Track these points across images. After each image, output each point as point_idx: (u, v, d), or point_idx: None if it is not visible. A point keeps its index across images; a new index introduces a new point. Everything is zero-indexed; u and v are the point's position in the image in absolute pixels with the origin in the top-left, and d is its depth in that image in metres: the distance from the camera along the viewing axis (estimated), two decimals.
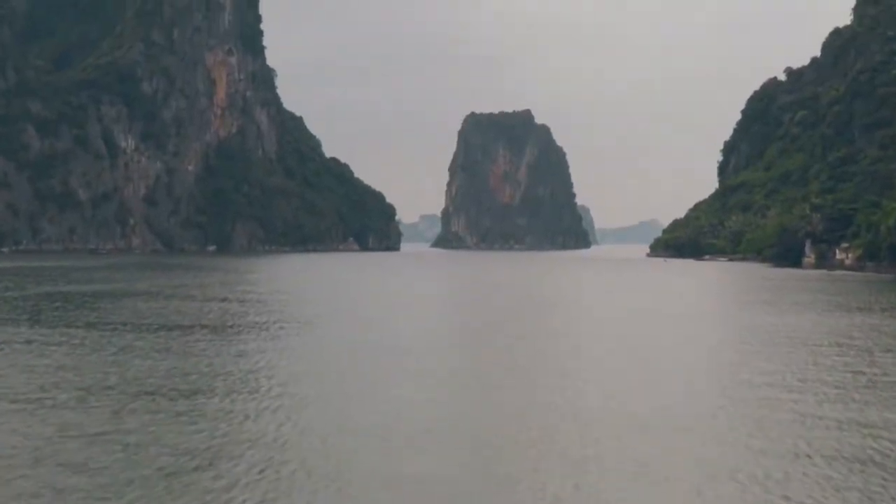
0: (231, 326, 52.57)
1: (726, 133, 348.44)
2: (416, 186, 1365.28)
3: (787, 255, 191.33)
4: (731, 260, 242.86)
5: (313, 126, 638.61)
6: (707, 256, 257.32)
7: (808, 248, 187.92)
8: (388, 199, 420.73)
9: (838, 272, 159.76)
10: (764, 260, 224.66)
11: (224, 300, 73.53)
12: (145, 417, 27.50)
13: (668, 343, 47.91)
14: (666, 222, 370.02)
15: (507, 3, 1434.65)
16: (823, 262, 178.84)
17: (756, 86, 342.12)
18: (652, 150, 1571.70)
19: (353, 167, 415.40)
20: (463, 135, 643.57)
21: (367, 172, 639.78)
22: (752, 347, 46.57)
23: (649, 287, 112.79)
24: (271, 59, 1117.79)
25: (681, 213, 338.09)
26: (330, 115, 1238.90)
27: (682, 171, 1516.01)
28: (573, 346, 43.83)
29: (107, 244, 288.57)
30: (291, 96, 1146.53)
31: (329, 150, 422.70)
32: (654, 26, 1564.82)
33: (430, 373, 36.72)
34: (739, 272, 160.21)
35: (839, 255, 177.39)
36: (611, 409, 29.83)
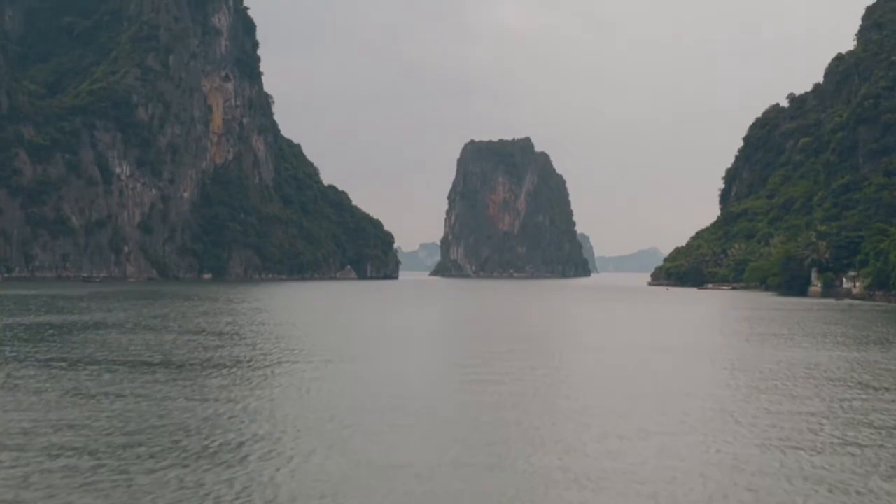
0: (193, 364, 47.90)
1: (727, 161, 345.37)
2: (416, 215, 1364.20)
3: (793, 284, 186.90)
4: (734, 288, 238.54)
5: (312, 153, 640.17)
6: (709, 285, 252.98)
7: (814, 277, 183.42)
8: (388, 228, 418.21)
9: (846, 301, 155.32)
10: (768, 288, 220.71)
11: (200, 332, 68.88)
12: (59, 481, 22.91)
13: (689, 387, 43.24)
14: (666, 250, 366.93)
15: (507, 34, 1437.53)
16: (830, 290, 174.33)
17: (758, 113, 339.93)
18: (652, 178, 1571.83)
19: (352, 195, 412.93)
20: (462, 163, 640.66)
21: (367, 201, 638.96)
22: (782, 388, 42.01)
23: (655, 318, 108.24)
24: (271, 87, 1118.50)
25: (681, 242, 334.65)
26: (329, 143, 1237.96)
27: (682, 199, 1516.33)
28: (582, 404, 38.98)
29: (100, 272, 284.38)
30: (290, 124, 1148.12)
31: (329, 178, 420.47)
32: (655, 55, 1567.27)
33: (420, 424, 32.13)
34: (745, 301, 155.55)
35: (846, 284, 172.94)
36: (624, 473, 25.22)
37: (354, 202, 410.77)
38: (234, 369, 46.05)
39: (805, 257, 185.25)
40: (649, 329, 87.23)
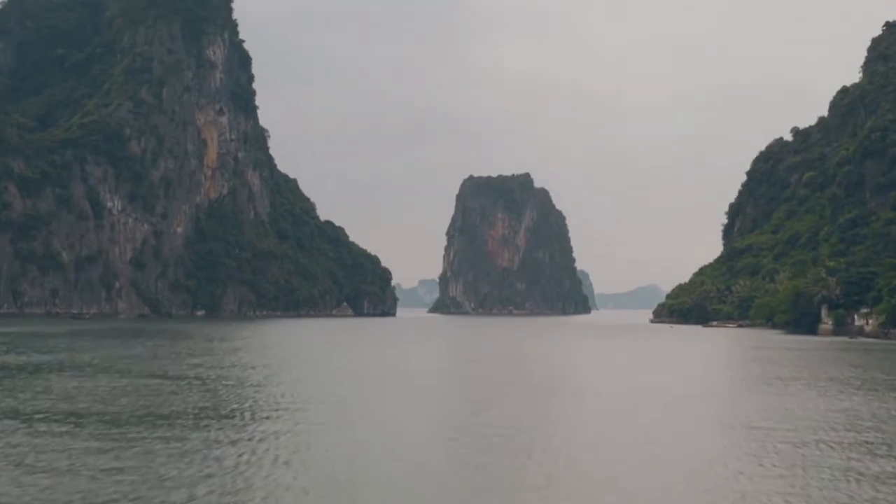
0: (145, 416, 41.40)
1: (726, 196, 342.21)
2: (415, 251, 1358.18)
3: (802, 321, 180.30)
4: (740, 326, 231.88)
5: (309, 189, 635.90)
6: (714, 322, 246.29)
7: (824, 314, 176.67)
8: (387, 264, 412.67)
9: (860, 340, 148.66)
10: (775, 326, 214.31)
11: (164, 377, 62.32)
12: None
13: (714, 444, 36.77)
14: (666, 287, 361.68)
15: (507, 74, 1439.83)
16: (841, 328, 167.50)
17: (761, 147, 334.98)
18: (651, 215, 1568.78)
19: (350, 231, 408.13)
20: (461, 198, 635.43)
21: (366, 237, 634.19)
22: (823, 448, 35.55)
23: (664, 359, 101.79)
24: (269, 122, 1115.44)
25: (680, 278, 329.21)
26: (327, 179, 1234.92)
27: (682, 236, 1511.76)
28: (594, 462, 32.53)
29: (91, 308, 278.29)
30: (287, 159, 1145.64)
31: (327, 214, 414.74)
32: (653, 90, 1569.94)
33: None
34: (754, 340, 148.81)
35: (858, 321, 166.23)
36: None
37: (352, 238, 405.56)
38: (184, 422, 39.55)
39: (815, 294, 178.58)
40: (655, 371, 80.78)
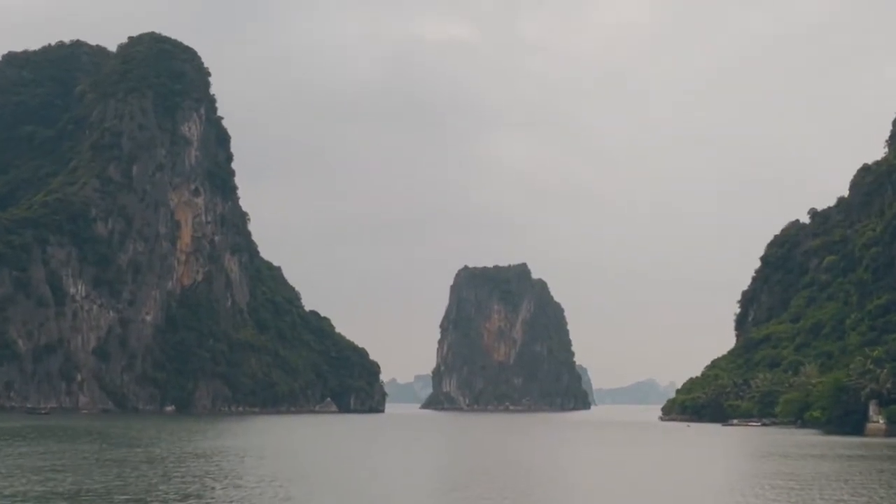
0: None
1: (722, 289, 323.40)
2: (412, 344, 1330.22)
3: (846, 420, 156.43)
4: (764, 425, 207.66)
5: (296, 277, 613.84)
6: (734, 421, 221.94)
7: (872, 411, 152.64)
8: (383, 358, 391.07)
9: None
10: (805, 424, 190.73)
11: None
12: None
13: None
14: (663, 382, 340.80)
15: (505, 167, 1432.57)
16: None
17: (772, 233, 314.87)
18: (647, 308, 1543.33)
19: (343, 323, 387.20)
20: (455, 289, 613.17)
21: (360, 329, 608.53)
22: None
23: (702, 472, 78.20)
24: (263, 209, 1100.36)
25: (678, 373, 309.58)
26: (318, 268, 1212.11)
27: (681, 329, 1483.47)
28: None
29: (49, 402, 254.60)
30: (274, 246, 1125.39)
31: (318, 305, 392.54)
32: (647, 191, 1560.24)
33: None
34: (797, 444, 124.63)
35: None
36: None
37: (347, 330, 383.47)
38: None
39: (861, 387, 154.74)
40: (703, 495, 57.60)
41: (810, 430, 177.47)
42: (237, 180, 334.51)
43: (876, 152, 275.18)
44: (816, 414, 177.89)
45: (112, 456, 79.86)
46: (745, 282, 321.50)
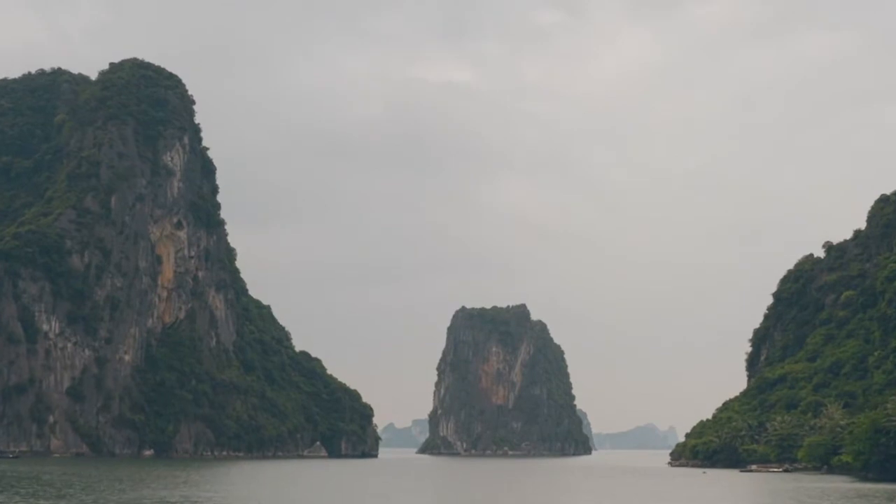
0: None
1: (721, 329, 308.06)
2: (411, 388, 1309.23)
3: (886, 465, 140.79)
4: (786, 471, 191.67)
5: (288, 318, 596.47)
6: (753, 466, 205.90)
7: None
8: (381, 402, 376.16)
9: None
10: (832, 470, 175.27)
11: None
12: None
13: None
14: (663, 427, 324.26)
15: (506, 208, 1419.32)
16: None
17: (783, 270, 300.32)
18: (647, 352, 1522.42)
19: (339, 366, 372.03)
20: (452, 331, 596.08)
21: (356, 372, 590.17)
22: None
23: None
24: (260, 248, 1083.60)
25: (679, 417, 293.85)
26: (315, 309, 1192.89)
27: (679, 373, 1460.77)
28: None
29: (19, 445, 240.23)
30: (267, 286, 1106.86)
31: (310, 347, 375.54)
32: (646, 230, 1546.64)
33: None
34: (842, 495, 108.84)
35: None
36: None
37: (341, 373, 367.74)
38: None
39: None
40: None
41: (840, 475, 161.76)
42: (234, 219, 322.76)
43: (894, 182, 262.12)
44: (847, 459, 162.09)
45: None
46: (753, 323, 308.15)
